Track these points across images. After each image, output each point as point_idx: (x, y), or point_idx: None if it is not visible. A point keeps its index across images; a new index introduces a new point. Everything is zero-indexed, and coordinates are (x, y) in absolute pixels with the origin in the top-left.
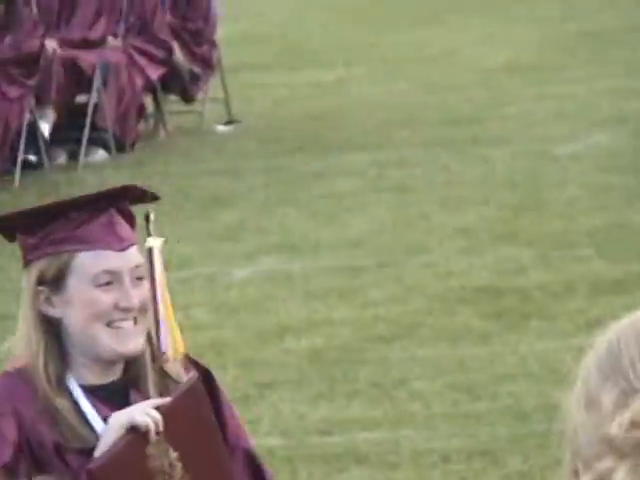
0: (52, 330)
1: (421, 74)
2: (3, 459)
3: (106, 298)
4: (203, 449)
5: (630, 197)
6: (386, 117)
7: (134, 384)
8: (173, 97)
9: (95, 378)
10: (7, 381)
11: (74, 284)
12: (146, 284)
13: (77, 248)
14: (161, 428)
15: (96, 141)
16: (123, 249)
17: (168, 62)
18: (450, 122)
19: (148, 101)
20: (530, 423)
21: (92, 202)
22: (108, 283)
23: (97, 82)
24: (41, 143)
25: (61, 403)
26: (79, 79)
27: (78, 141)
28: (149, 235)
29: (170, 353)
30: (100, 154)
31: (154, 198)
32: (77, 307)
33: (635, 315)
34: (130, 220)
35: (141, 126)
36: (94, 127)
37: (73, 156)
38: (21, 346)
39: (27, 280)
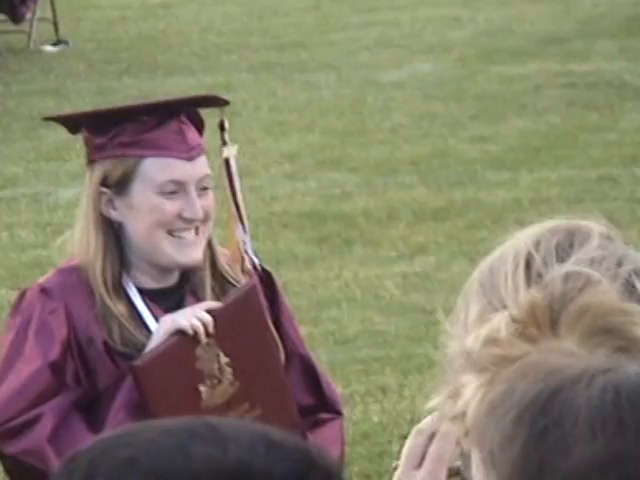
0: (111, 232)
1: None
2: (51, 356)
3: (170, 207)
4: (255, 356)
5: (453, 125)
6: (214, 41)
7: (191, 289)
8: (1, 16)
9: (152, 282)
10: (61, 278)
11: (139, 189)
12: (210, 194)
13: (145, 153)
14: (211, 330)
15: None
16: (191, 158)
17: None
18: (277, 47)
19: None
20: (352, 349)
21: (163, 107)
22: (173, 192)
23: None
24: None
25: (117, 306)
26: None
27: None
28: (224, 143)
29: (246, 259)
30: None
31: (225, 103)
32: (140, 213)
33: (520, 233)
34: (200, 127)
35: None
36: None
37: None
38: (78, 244)
39: (90, 179)
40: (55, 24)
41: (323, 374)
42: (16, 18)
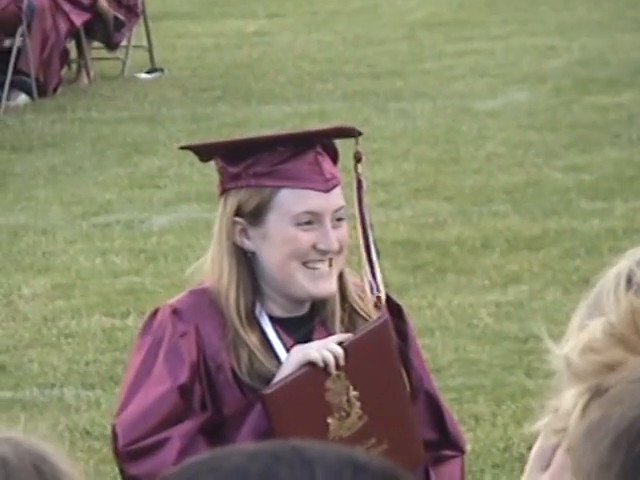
0: (244, 261)
1: (344, 27)
2: (180, 379)
3: (306, 238)
4: (384, 391)
5: (547, 154)
6: (308, 69)
7: (321, 320)
8: (97, 43)
9: (282, 312)
10: (193, 299)
11: (274, 220)
12: (345, 225)
13: (281, 184)
14: (342, 363)
15: (19, 85)
16: (328, 189)
17: (92, 8)
18: (371, 76)
19: (71, 47)
20: (445, 377)
21: (299, 138)
22: (308, 222)
23: (21, 26)
24: None
25: (249, 336)
26: (5, 24)
27: (1, 85)
28: (358, 175)
29: (383, 292)
30: (22, 98)
31: (359, 134)
32: (274, 243)
33: (622, 258)
34: (334, 157)
35: (64, 72)
36: (17, 71)
37: None
38: (211, 273)
39: (223, 209)
40: (150, 52)
41: (447, 411)
42: (111, 45)
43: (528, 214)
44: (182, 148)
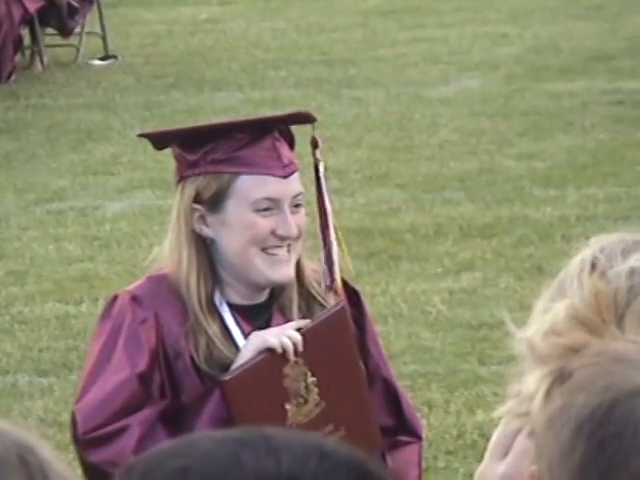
0: (203, 249)
1: (297, 14)
2: (140, 367)
3: (265, 224)
4: (341, 377)
5: (500, 142)
6: (261, 56)
7: (279, 307)
8: (50, 30)
9: (241, 299)
10: (152, 286)
11: (233, 206)
12: (303, 211)
13: (239, 170)
14: (300, 349)
15: None
16: (286, 176)
17: None
18: (325, 63)
19: (25, 33)
20: (398, 364)
21: (256, 124)
22: (267, 209)
23: None
24: None
25: (209, 323)
26: None
27: None
28: (316, 161)
29: (338, 281)
30: None
31: (313, 120)
32: (233, 230)
33: (586, 246)
34: (291, 143)
35: (17, 58)
36: None
37: None
38: (170, 260)
39: (181, 196)
40: (104, 38)
41: (404, 397)
42: (65, 32)
43: (481, 202)
44: (140, 136)
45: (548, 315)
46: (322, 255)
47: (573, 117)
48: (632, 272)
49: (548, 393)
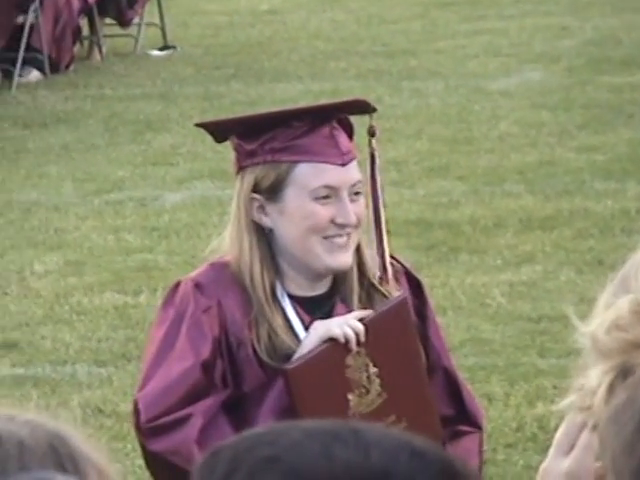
0: (263, 239)
1: (357, 6)
2: (203, 355)
3: (324, 212)
4: (403, 369)
5: (560, 134)
6: (322, 48)
7: (341, 298)
8: (109, 20)
9: (301, 290)
10: (214, 273)
11: (291, 195)
12: (362, 200)
13: (298, 159)
14: (362, 339)
15: (31, 61)
16: (344, 164)
17: None
18: (385, 55)
19: (84, 23)
20: (458, 357)
21: (314, 112)
22: (326, 197)
23: (34, 3)
24: None
25: (274, 315)
26: (18, 1)
27: (13, 61)
28: (372, 150)
29: (389, 271)
30: (34, 74)
31: (374, 110)
32: (293, 218)
33: None
34: (350, 132)
35: (76, 48)
36: (30, 48)
37: (7, 76)
38: (231, 251)
39: (240, 186)
40: (162, 29)
41: (465, 387)
42: (124, 22)
43: (541, 194)
44: (197, 125)
45: (611, 310)
46: (374, 246)
47: (634, 110)
48: None
49: (611, 388)
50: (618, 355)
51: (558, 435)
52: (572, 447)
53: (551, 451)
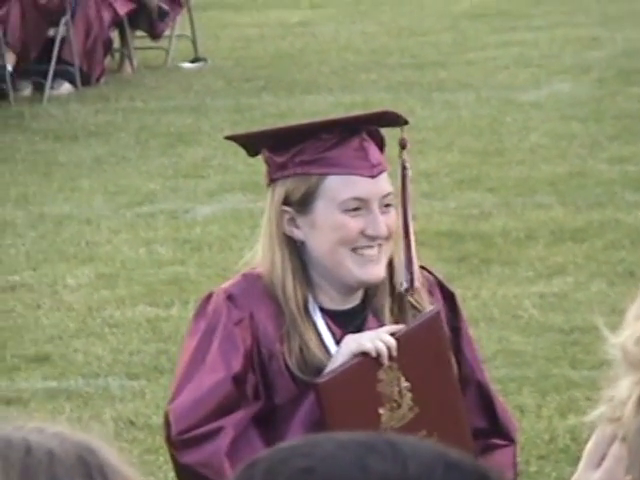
0: (295, 252)
1: (387, 18)
2: (234, 368)
3: (354, 224)
4: (435, 384)
5: (591, 146)
6: (352, 60)
7: (373, 311)
8: (140, 33)
9: (333, 303)
10: (247, 284)
11: (321, 207)
12: (393, 212)
13: (328, 171)
14: (394, 353)
15: (62, 74)
16: (374, 175)
17: None
18: (415, 66)
19: (115, 36)
20: (490, 369)
21: (345, 124)
22: (356, 209)
23: (65, 16)
24: (6, 75)
25: (307, 328)
26: (49, 13)
27: (45, 74)
28: (403, 162)
29: (418, 282)
30: (65, 87)
31: (405, 122)
32: (323, 231)
33: None
34: (380, 144)
35: (107, 61)
36: (61, 60)
37: (39, 88)
38: (263, 263)
39: (271, 199)
40: (194, 41)
41: (499, 400)
42: (155, 35)
43: (572, 205)
44: (227, 138)
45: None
46: (402, 258)
47: None
48: None
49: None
50: None
51: (588, 447)
52: (602, 459)
53: (581, 464)
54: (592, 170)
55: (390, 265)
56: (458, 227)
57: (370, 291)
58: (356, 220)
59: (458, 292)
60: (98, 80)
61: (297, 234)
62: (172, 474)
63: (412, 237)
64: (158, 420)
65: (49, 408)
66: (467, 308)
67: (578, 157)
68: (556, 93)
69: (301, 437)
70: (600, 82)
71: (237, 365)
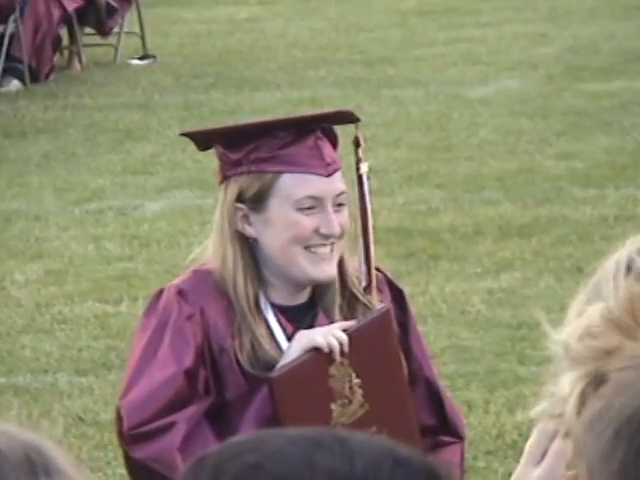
0: (247, 248)
1: (335, 14)
2: (186, 364)
3: (308, 223)
4: (385, 380)
5: (539, 142)
6: (300, 56)
7: (323, 307)
8: (89, 30)
9: (283, 299)
10: (197, 280)
11: (276, 205)
12: (346, 210)
13: (282, 169)
14: (346, 349)
15: (11, 71)
16: (329, 174)
17: None
18: (363, 63)
19: (64, 33)
20: (438, 364)
21: (300, 123)
22: (310, 207)
23: (14, 13)
24: None
25: (258, 325)
26: None
27: None
28: (358, 161)
29: (374, 281)
30: (14, 84)
31: (358, 120)
32: (276, 228)
33: (623, 247)
34: (334, 143)
35: (56, 58)
36: (10, 57)
37: None
38: (214, 260)
39: (224, 195)
40: (142, 38)
41: (447, 397)
42: (103, 32)
43: (520, 201)
44: (183, 135)
45: (583, 317)
46: (361, 255)
47: (612, 117)
48: None
49: (582, 395)
50: (590, 362)
51: (529, 443)
52: (544, 455)
53: (522, 459)
54: (540, 166)
55: (340, 263)
56: (406, 223)
57: (319, 288)
58: (310, 219)
59: (406, 288)
60: (47, 77)
61: (249, 231)
62: (121, 470)
63: (371, 235)
64: (107, 416)
65: None
66: (415, 304)
67: (526, 153)
68: (504, 89)
69: (252, 432)
70: (548, 78)
71: (189, 360)
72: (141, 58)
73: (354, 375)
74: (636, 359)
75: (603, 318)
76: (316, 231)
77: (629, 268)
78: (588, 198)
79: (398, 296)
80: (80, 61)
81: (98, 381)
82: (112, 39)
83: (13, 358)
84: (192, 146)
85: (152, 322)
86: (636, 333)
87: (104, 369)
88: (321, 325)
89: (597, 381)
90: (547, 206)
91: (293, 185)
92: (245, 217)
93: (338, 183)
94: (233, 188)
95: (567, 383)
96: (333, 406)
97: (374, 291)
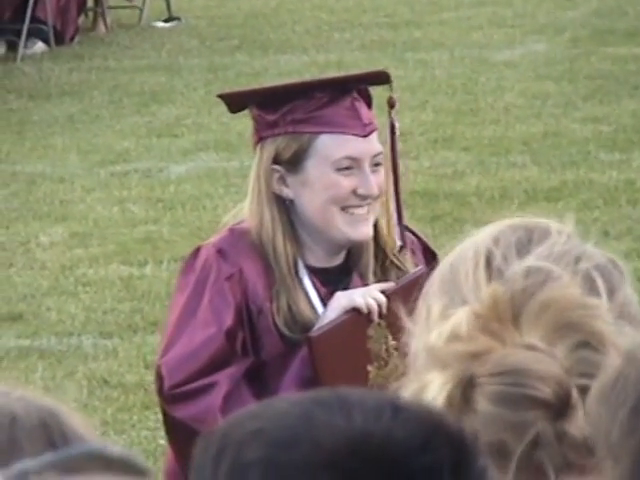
0: (284, 210)
1: None
2: (226, 324)
3: (346, 183)
4: None
5: (565, 105)
6: (326, 19)
7: (357, 270)
8: None
9: (319, 261)
10: (235, 239)
11: (313, 166)
12: (382, 171)
13: (320, 130)
14: (384, 311)
15: (36, 33)
16: (366, 135)
17: None
18: (389, 26)
19: None
20: None
21: (336, 83)
22: (348, 168)
23: None
24: None
25: (296, 286)
26: None
27: (18, 33)
28: (392, 120)
29: (406, 242)
30: (39, 46)
31: (390, 81)
32: (314, 189)
33: (478, 231)
34: (369, 103)
35: (81, 20)
36: (34, 19)
37: (12, 47)
38: (251, 222)
39: (260, 157)
40: (167, 0)
41: None
42: None
43: (546, 165)
44: (218, 97)
45: (450, 320)
46: (394, 217)
47: (639, 81)
48: (528, 272)
49: (449, 398)
50: (457, 365)
51: None
52: None
53: None
54: (566, 130)
55: (375, 225)
56: (432, 186)
57: (354, 250)
58: (348, 179)
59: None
60: (72, 39)
61: (286, 193)
62: (145, 432)
63: (402, 195)
64: (131, 379)
65: (22, 367)
66: None
67: (552, 117)
68: (530, 53)
69: (262, 401)
70: (574, 42)
71: (228, 320)
72: (166, 20)
73: (390, 337)
74: (504, 366)
75: (469, 322)
76: (354, 192)
77: (488, 263)
78: (614, 162)
79: (432, 259)
80: (105, 23)
81: (123, 344)
82: (137, 1)
83: (38, 320)
84: (217, 108)
85: (190, 280)
86: (503, 336)
87: (129, 332)
88: (356, 287)
89: (465, 384)
90: (573, 170)
91: (331, 146)
92: (282, 179)
93: (375, 143)
94: (269, 150)
95: (435, 385)
96: (370, 367)
97: (408, 253)
